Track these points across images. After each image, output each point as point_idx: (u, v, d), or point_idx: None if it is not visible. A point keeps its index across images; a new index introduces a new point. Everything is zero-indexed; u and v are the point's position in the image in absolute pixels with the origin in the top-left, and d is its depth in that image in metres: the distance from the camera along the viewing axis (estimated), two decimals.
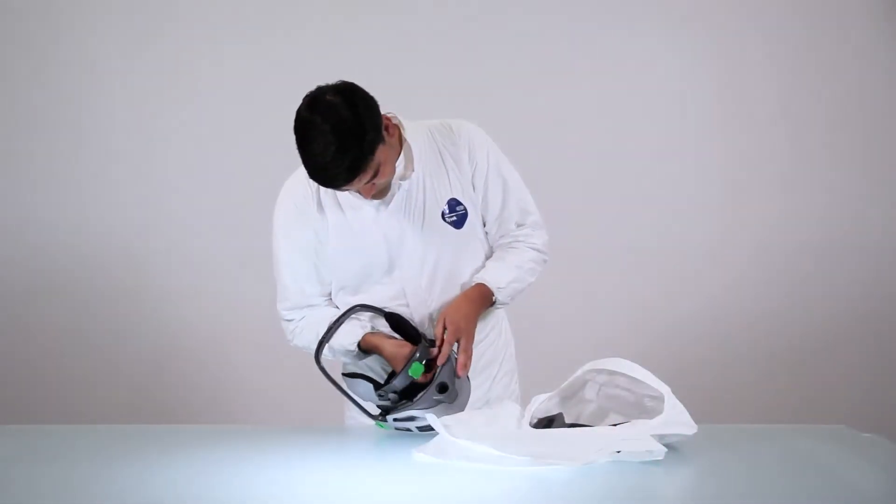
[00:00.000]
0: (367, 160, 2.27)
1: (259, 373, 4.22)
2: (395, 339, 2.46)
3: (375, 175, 2.33)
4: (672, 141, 4.23)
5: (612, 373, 2.27)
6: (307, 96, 2.30)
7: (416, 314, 2.51)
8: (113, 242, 4.18)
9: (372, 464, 2.16)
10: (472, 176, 2.54)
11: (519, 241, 2.59)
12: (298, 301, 2.56)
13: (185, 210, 4.20)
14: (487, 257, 2.59)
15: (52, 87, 4.16)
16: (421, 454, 2.10)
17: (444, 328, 2.38)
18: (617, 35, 4.20)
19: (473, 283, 2.51)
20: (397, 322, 2.47)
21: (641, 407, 2.23)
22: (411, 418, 2.29)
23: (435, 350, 2.37)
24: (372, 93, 2.32)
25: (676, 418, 2.14)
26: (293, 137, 2.28)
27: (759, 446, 2.24)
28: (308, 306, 2.56)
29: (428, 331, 2.49)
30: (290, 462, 2.10)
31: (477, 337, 2.48)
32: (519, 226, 2.60)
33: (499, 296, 2.51)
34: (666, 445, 2.10)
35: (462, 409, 2.34)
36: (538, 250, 2.60)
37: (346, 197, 2.48)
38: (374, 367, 2.50)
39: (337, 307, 2.56)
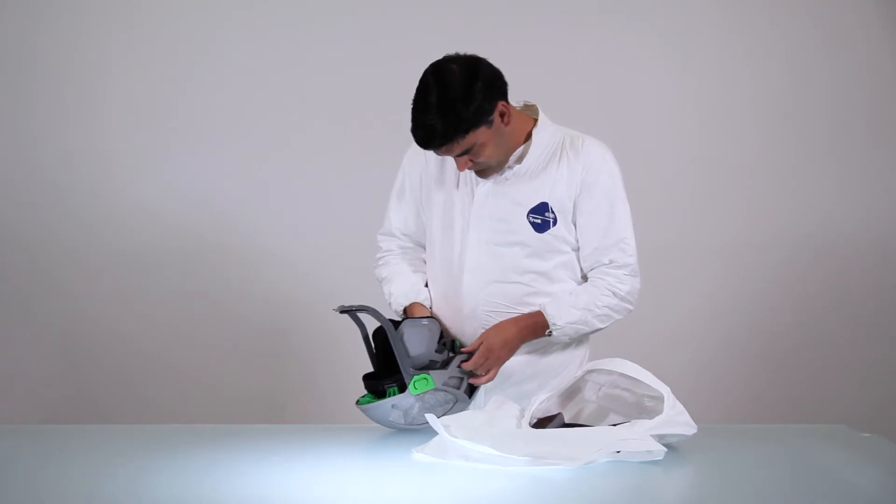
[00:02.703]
0: (459, 133, 2.33)
1: (259, 373, 4.22)
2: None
3: (469, 152, 2.38)
4: (672, 141, 4.23)
5: (612, 373, 2.27)
6: (442, 58, 2.39)
7: (468, 302, 2.53)
8: (110, 242, 4.17)
9: (372, 464, 2.16)
10: (578, 195, 2.50)
11: (603, 282, 2.52)
12: (388, 227, 2.70)
13: (183, 209, 4.19)
14: (558, 280, 2.54)
15: (48, 84, 4.16)
16: (421, 454, 2.10)
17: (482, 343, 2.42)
18: (619, 35, 4.19)
19: (536, 308, 2.50)
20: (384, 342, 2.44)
21: (641, 407, 2.23)
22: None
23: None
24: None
25: (676, 418, 2.14)
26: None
27: (759, 446, 2.24)
28: (393, 237, 2.68)
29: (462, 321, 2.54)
30: (290, 462, 2.10)
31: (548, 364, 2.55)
32: (611, 263, 2.52)
33: (554, 331, 2.48)
34: (666, 445, 2.10)
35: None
36: (621, 297, 2.51)
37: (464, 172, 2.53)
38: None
39: (424, 260, 2.66)
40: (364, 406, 2.36)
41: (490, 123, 2.37)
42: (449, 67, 2.35)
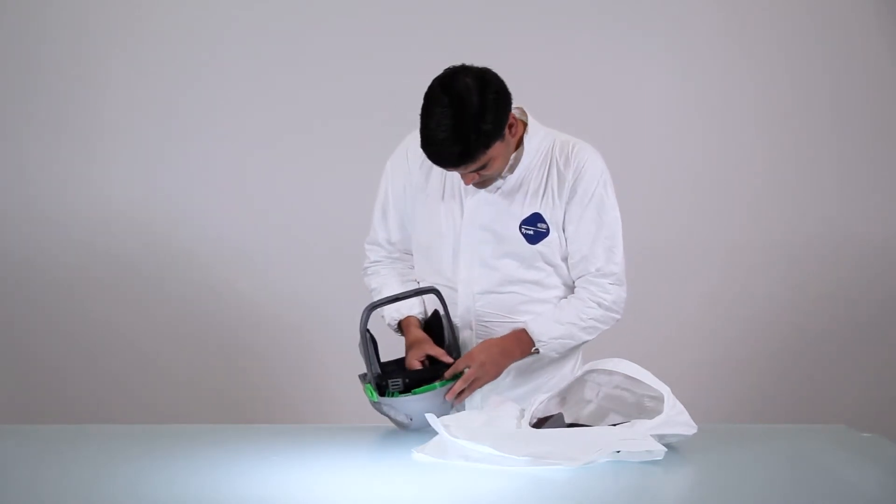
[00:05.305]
0: (478, 151, 2.27)
1: (259, 373, 4.22)
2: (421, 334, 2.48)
3: (483, 167, 2.33)
4: (673, 141, 4.22)
5: (612, 373, 2.27)
6: (447, 70, 2.30)
7: (462, 313, 2.51)
8: (110, 244, 4.17)
9: (372, 464, 2.16)
10: (568, 202, 2.45)
11: (586, 292, 2.48)
12: (374, 237, 2.65)
13: (185, 209, 4.18)
14: (551, 287, 2.52)
15: (46, 85, 4.16)
16: (421, 454, 2.10)
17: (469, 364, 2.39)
18: (618, 35, 4.19)
19: (521, 326, 2.47)
20: (433, 325, 2.47)
21: (641, 407, 2.23)
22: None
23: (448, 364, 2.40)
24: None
25: (676, 418, 2.14)
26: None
27: (759, 446, 2.24)
28: (379, 246, 2.64)
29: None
30: (290, 462, 2.10)
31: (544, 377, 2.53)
32: (598, 272, 2.47)
33: (540, 348, 2.46)
34: (666, 445, 2.10)
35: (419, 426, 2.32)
36: (606, 308, 2.47)
37: (450, 177, 2.49)
38: None
39: (412, 267, 2.63)
40: (402, 397, 2.32)
41: (503, 137, 2.32)
42: (459, 79, 2.26)
